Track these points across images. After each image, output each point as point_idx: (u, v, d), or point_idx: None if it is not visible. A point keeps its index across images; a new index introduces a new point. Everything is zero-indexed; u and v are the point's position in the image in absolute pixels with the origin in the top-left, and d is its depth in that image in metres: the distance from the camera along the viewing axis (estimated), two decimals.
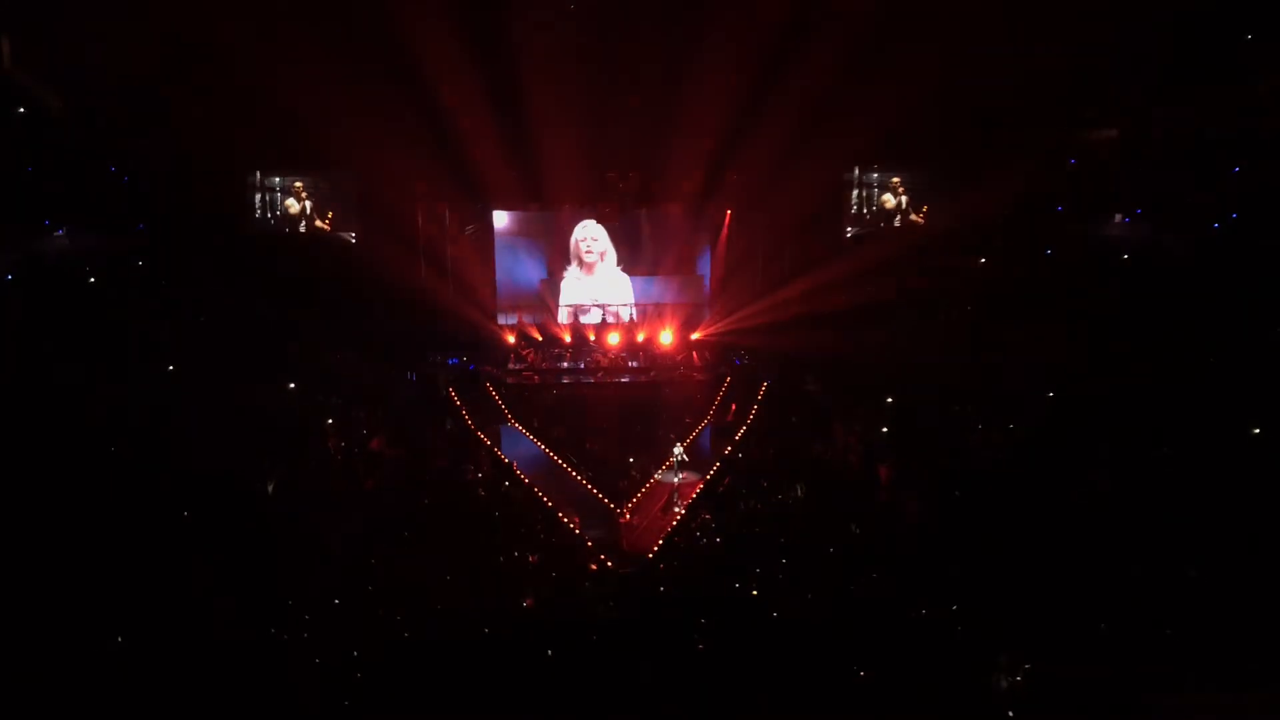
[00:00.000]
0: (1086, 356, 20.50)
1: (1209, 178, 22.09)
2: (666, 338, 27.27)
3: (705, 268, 28.10)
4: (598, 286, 27.94)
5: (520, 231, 27.65)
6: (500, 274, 27.59)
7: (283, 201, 25.71)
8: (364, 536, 16.45)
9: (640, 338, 27.38)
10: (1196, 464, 15.95)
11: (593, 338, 27.38)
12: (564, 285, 27.90)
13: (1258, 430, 16.55)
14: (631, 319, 27.68)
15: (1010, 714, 11.68)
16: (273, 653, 12.82)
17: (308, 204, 25.66)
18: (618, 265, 27.77)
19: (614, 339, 27.01)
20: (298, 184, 25.54)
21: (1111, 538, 14.69)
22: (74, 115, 23.73)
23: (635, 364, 26.54)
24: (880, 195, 26.42)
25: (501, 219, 27.31)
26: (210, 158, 23.00)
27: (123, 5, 21.13)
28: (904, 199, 26.32)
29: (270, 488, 17.80)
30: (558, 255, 27.73)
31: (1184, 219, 22.77)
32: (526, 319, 27.65)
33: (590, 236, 27.52)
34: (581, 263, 27.70)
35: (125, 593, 13.32)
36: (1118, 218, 24.74)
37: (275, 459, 18.62)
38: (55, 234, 24.25)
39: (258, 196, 25.60)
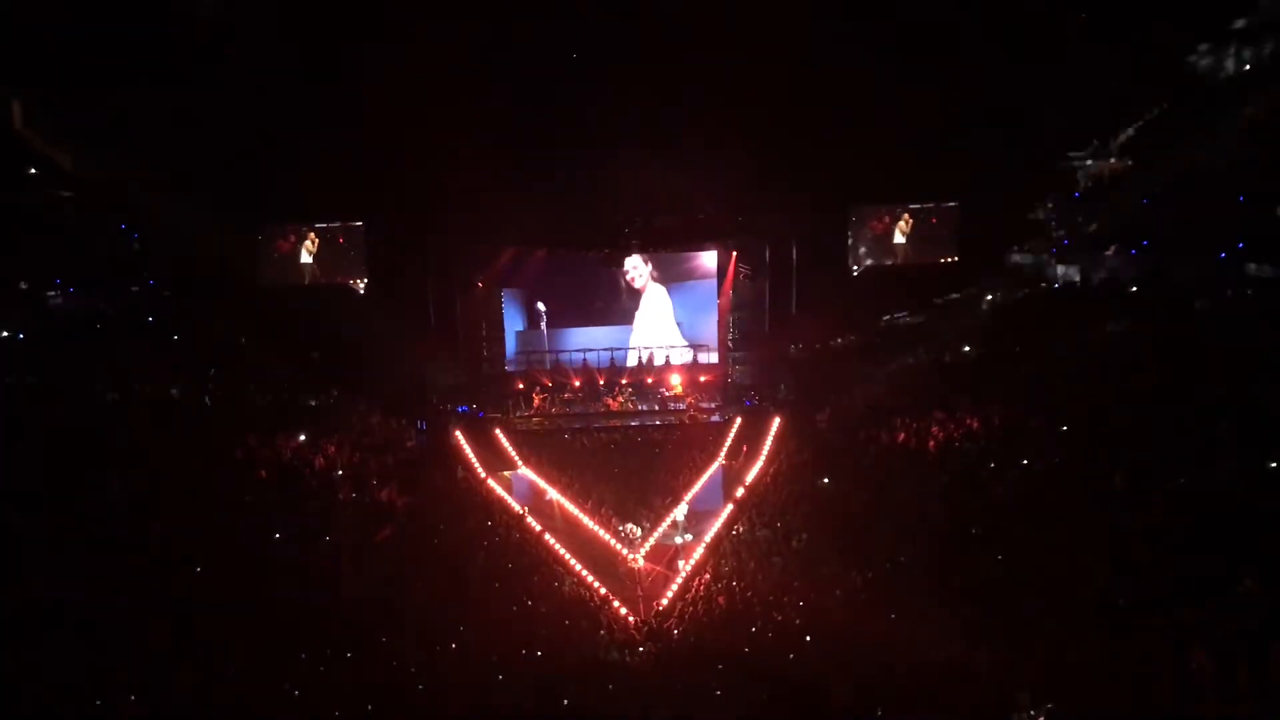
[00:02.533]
0: (1097, 388, 20.44)
1: (1211, 207, 22.21)
2: (676, 380, 27.28)
3: (713, 309, 28.23)
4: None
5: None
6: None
7: (292, 253, 25.90)
8: (376, 586, 16.38)
9: (649, 380, 27.41)
10: (1212, 495, 15.80)
11: (602, 382, 27.41)
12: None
13: (1275, 465, 16.39)
14: (647, 361, 27.86)
15: None
16: (288, 706, 12.74)
17: (315, 255, 25.82)
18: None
19: (623, 382, 27.09)
20: (310, 235, 25.74)
21: (1132, 572, 14.55)
22: (83, 175, 24.06)
23: (645, 407, 26.52)
24: (882, 232, 26.52)
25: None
26: (218, 212, 23.23)
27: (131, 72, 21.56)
28: (906, 235, 26.41)
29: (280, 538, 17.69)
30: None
31: (1189, 249, 22.84)
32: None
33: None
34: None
35: (137, 646, 13.31)
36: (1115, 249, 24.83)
37: (286, 510, 18.54)
38: (67, 291, 24.51)
39: (266, 249, 25.78)
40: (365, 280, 26.03)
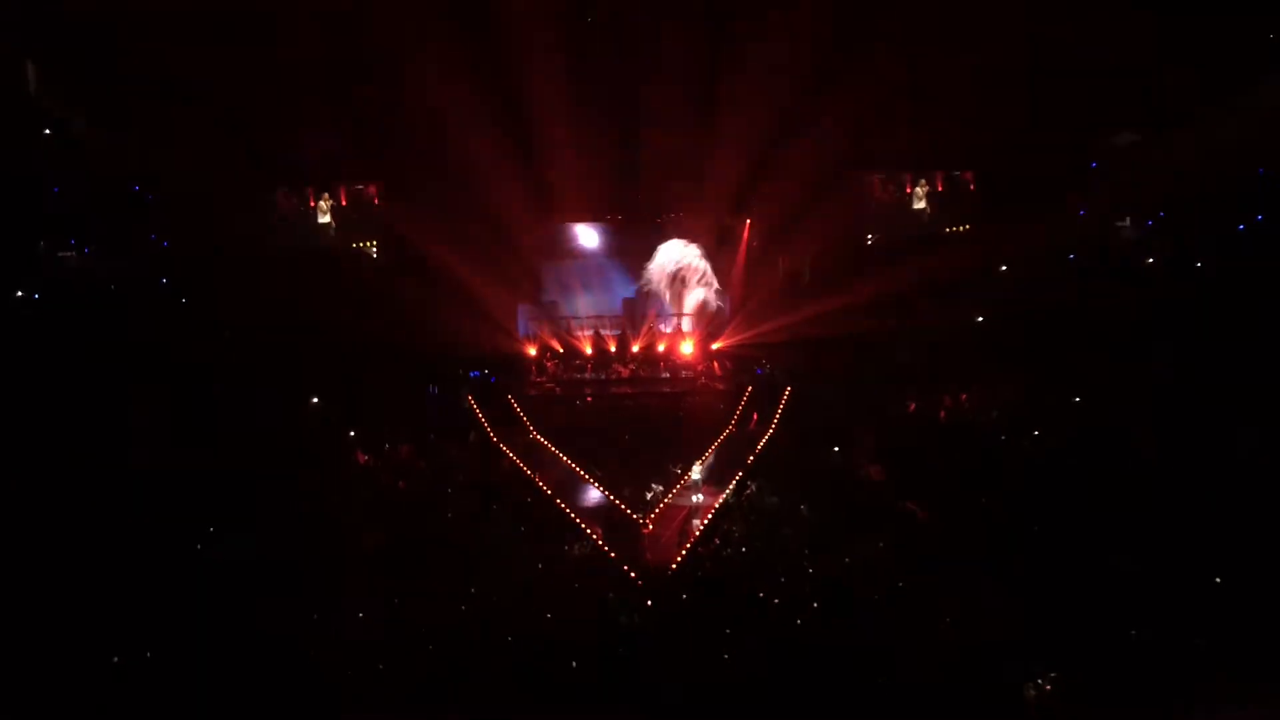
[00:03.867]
0: (1112, 360, 20.35)
1: (1233, 179, 21.97)
2: (687, 348, 27.25)
3: (726, 280, 28.14)
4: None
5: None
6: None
7: (317, 214, 25.92)
8: (388, 548, 16.51)
9: (661, 348, 27.38)
10: (1220, 466, 15.77)
11: (614, 349, 27.39)
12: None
13: None
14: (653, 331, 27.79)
15: None
16: (303, 664, 12.88)
17: (332, 217, 25.83)
18: None
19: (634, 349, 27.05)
20: (325, 197, 25.74)
21: (1139, 544, 14.56)
22: (97, 136, 24.05)
23: (657, 375, 26.51)
24: (899, 202, 26.38)
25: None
26: (232, 174, 23.20)
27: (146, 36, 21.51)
28: (923, 205, 26.26)
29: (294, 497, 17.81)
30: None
31: (1208, 221, 22.64)
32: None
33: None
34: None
35: (153, 604, 13.48)
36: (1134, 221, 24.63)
37: (301, 472, 18.66)
38: (81, 253, 24.55)
39: (281, 210, 25.79)
40: (378, 244, 26.05)
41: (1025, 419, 19.98)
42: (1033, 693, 12.05)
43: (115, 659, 12.52)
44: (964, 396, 21.51)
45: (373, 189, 26.05)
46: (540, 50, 22.40)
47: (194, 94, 22.33)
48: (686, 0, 22.31)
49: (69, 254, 24.31)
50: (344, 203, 26.04)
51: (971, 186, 25.86)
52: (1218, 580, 13.45)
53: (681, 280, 28.16)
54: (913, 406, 21.60)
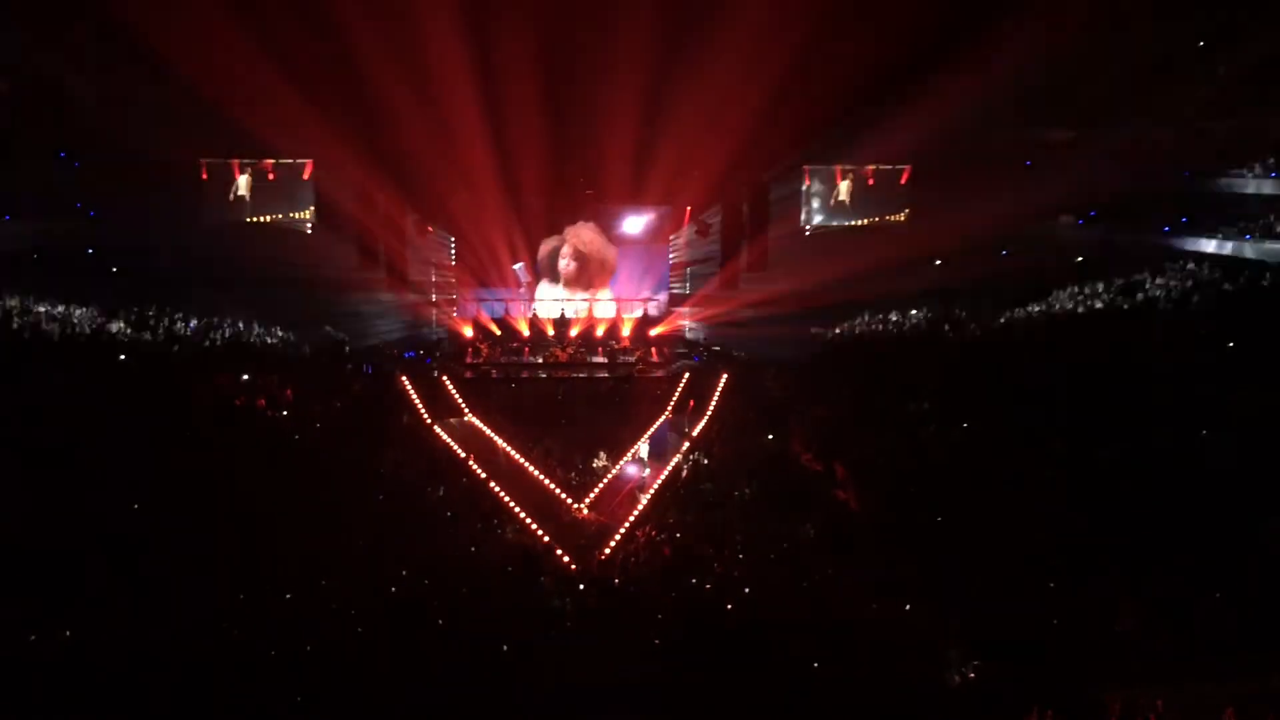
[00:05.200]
0: (1040, 354, 20.78)
1: (1160, 181, 22.57)
2: (626, 334, 27.25)
3: (665, 266, 28.17)
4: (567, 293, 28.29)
5: None
6: None
7: (235, 187, 25.37)
8: (319, 529, 16.28)
9: (599, 333, 27.34)
10: (1145, 460, 16.22)
11: (551, 332, 27.29)
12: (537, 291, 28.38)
13: (1205, 431, 16.86)
14: (591, 315, 27.72)
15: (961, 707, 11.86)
16: (227, 639, 12.67)
17: (255, 190, 25.38)
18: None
19: (573, 333, 26.97)
20: (250, 170, 25.27)
21: (1064, 535, 14.91)
22: (22, 100, 23.33)
23: (595, 359, 26.48)
24: (837, 195, 26.65)
25: None
26: (161, 143, 22.61)
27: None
28: (850, 195, 26.60)
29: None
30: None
31: (1136, 221, 23.23)
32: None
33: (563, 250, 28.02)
34: (555, 274, 27.97)
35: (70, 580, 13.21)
36: (1071, 219, 25.18)
37: (231, 450, 18.28)
38: (2, 220, 23.81)
39: (209, 182, 25.29)
40: (311, 218, 25.63)
41: (954, 408, 20.33)
42: (956, 679, 12.30)
43: None
44: (895, 386, 21.78)
45: (305, 162, 25.62)
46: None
47: (124, 59, 21.70)
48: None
49: None
50: (286, 177, 25.60)
51: (903, 180, 26.29)
52: (1130, 564, 13.84)
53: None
54: (846, 395, 21.83)
